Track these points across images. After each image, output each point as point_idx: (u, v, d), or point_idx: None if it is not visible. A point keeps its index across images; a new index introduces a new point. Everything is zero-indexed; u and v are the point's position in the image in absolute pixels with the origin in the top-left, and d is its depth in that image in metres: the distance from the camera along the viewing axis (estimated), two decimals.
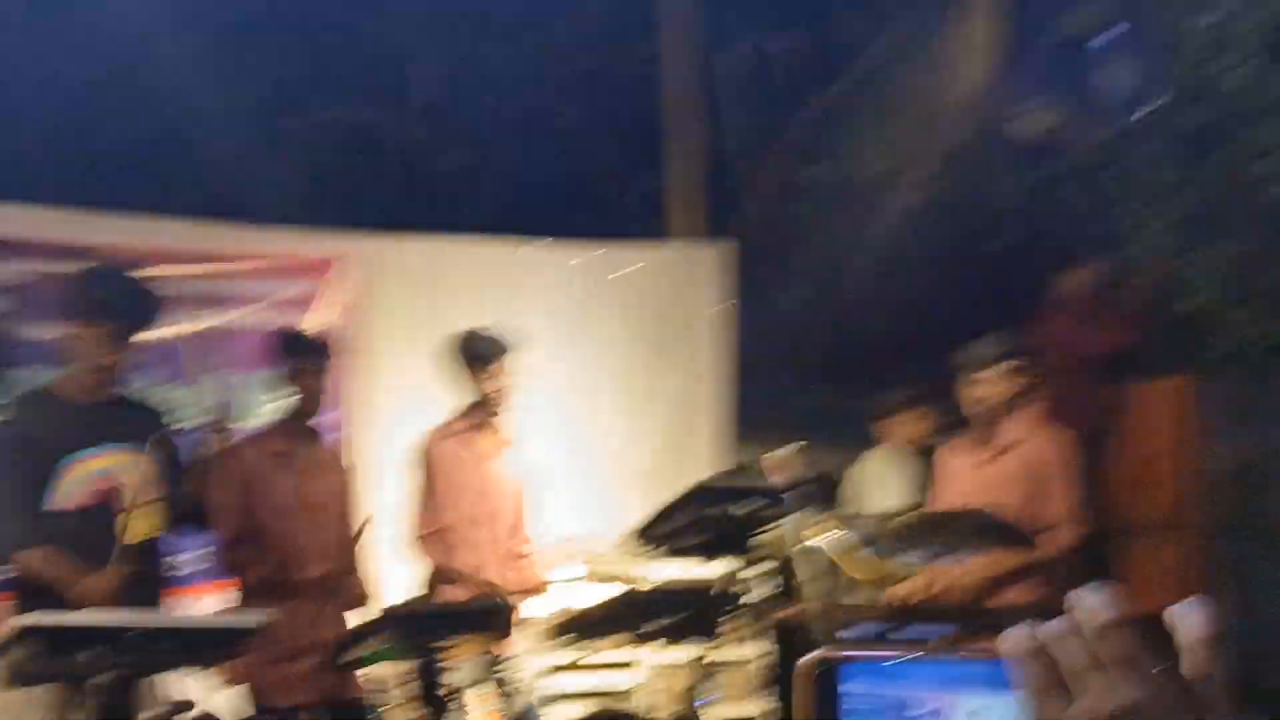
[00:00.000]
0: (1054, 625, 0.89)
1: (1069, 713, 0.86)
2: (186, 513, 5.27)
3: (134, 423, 5.12)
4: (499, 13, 12.08)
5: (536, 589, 6.16)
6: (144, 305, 5.06)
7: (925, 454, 7.58)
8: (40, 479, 4.88)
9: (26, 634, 4.17)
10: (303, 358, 5.55)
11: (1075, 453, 6.12)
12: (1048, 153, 12.28)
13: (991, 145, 12.68)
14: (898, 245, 13.65)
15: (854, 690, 0.97)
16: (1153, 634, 0.91)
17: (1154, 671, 0.86)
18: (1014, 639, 0.90)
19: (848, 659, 0.98)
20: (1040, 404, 7.19)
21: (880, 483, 7.34)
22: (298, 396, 5.54)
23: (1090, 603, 0.90)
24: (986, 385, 6.07)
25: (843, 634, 5.11)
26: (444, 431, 6.00)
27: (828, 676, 0.96)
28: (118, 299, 4.93)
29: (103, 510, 4.94)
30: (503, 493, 6.01)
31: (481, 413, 5.97)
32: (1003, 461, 6.06)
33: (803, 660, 0.97)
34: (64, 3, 10.48)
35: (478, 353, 5.91)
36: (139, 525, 4.99)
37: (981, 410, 6.11)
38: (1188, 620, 0.91)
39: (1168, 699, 0.85)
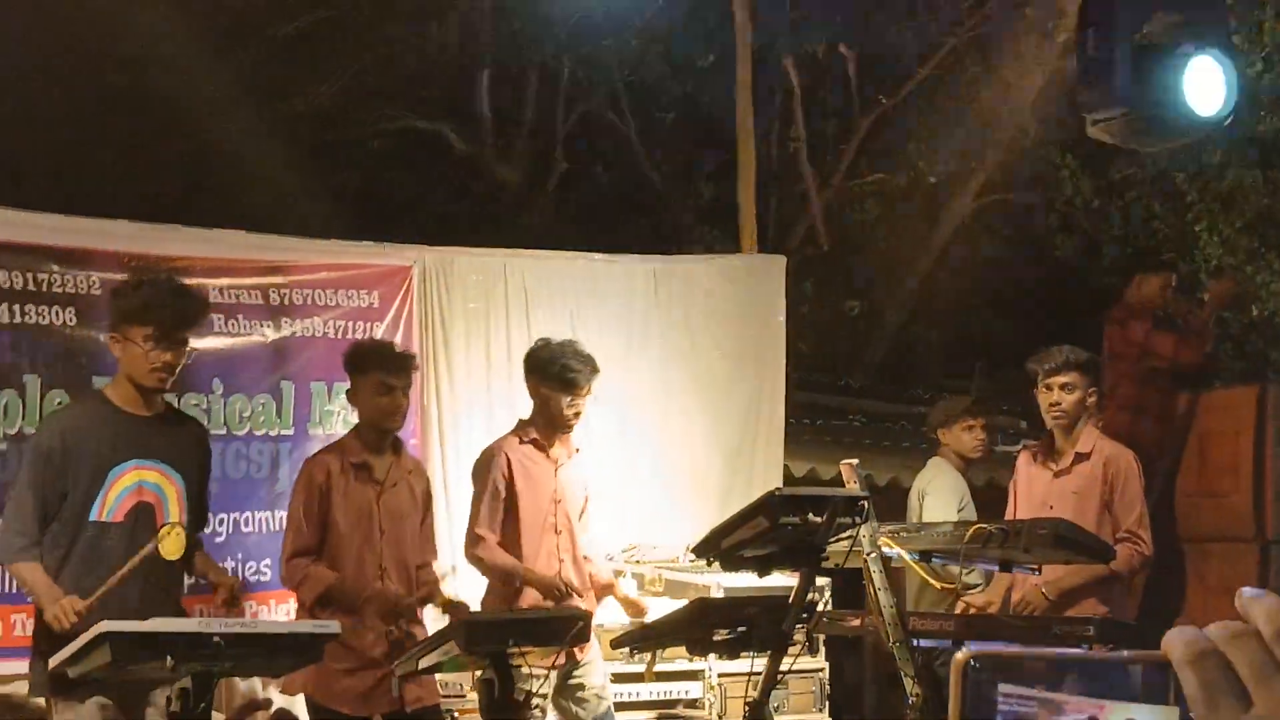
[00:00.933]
0: (1226, 627, 0.85)
1: (1245, 718, 0.83)
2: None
3: (180, 438, 5.17)
4: (567, 22, 12.09)
5: (606, 596, 6.15)
6: (186, 307, 5.09)
7: (981, 463, 7.52)
8: (89, 487, 4.92)
9: (106, 639, 4.21)
10: (388, 373, 5.56)
11: (1141, 465, 6.08)
12: (1119, 156, 12.17)
13: (1062, 149, 12.61)
14: (964, 250, 13.60)
15: (1009, 691, 0.94)
16: None
17: None
18: (1183, 641, 0.85)
19: (1003, 656, 0.94)
20: (1111, 413, 7.13)
21: (939, 492, 7.28)
22: (381, 407, 5.56)
23: (1268, 604, 0.86)
24: (1059, 392, 6.03)
25: (918, 644, 5.07)
26: (515, 439, 6.00)
27: (983, 672, 0.93)
28: (158, 301, 4.96)
29: (141, 524, 4.97)
30: (574, 500, 6.00)
31: (554, 425, 5.95)
32: (1078, 471, 6.02)
33: (958, 656, 0.94)
34: (127, 16, 10.60)
35: (563, 377, 5.85)
36: (169, 544, 5.02)
37: (1054, 417, 6.07)
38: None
39: None
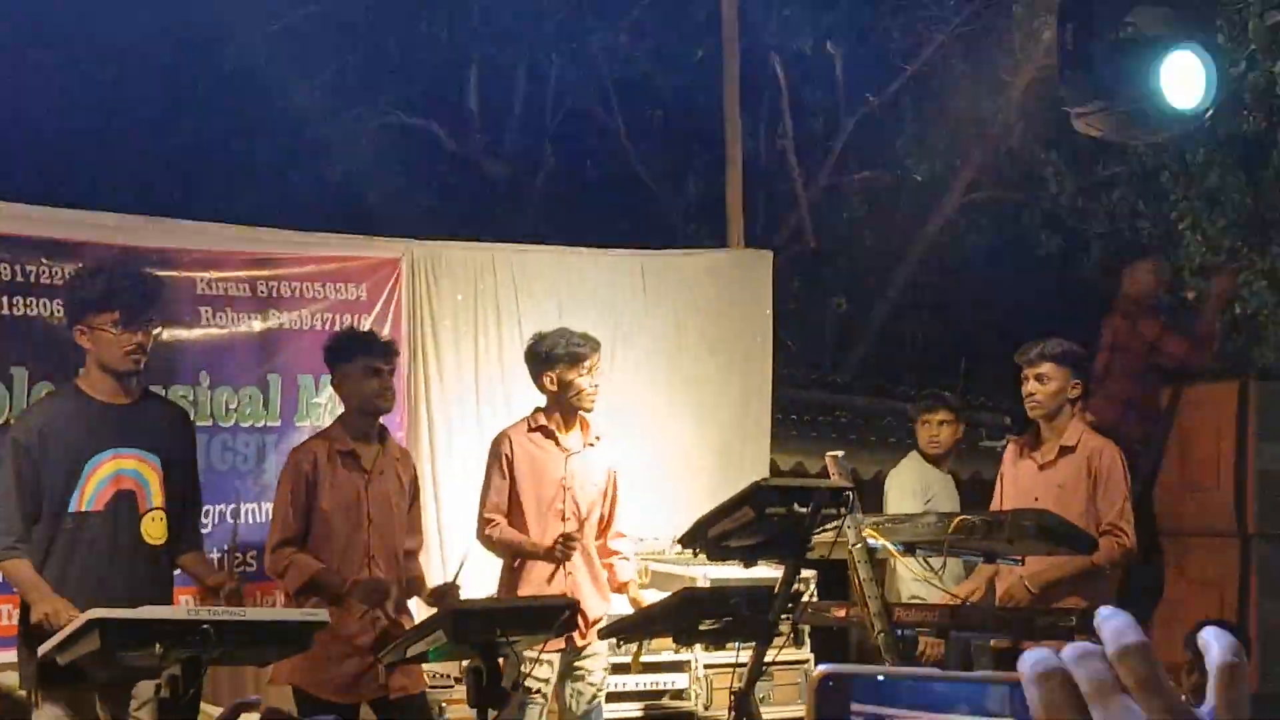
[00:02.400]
0: (1076, 647, 0.87)
1: None
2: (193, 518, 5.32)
3: (158, 423, 5.18)
4: (557, 19, 12.11)
5: (620, 588, 6.17)
6: (147, 288, 5.12)
7: (945, 459, 7.55)
8: (66, 480, 4.93)
9: (97, 625, 4.23)
10: (375, 357, 5.59)
11: (1125, 459, 6.13)
12: (1104, 154, 12.21)
13: (1047, 147, 12.66)
14: (950, 248, 13.64)
15: (859, 710, 0.96)
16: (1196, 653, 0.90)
17: (1177, 699, 0.85)
18: (1032, 661, 0.88)
19: (858, 674, 0.97)
20: (1100, 403, 7.18)
21: (896, 485, 7.35)
22: (371, 390, 5.58)
23: (1115, 624, 0.88)
24: (1034, 383, 6.10)
25: (901, 634, 5.11)
26: (524, 425, 6.04)
27: (837, 690, 0.95)
28: (121, 286, 4.99)
29: (123, 512, 4.99)
30: (588, 488, 6.04)
31: (566, 410, 6.00)
32: (1063, 463, 6.07)
33: (813, 674, 0.97)
34: (114, 10, 10.60)
35: (570, 352, 5.91)
36: (154, 528, 5.04)
37: (1030, 407, 6.14)
38: (1214, 645, 0.88)
39: None
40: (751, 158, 11.58)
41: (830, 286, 14.09)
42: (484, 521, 5.98)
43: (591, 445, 6.07)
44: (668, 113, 13.88)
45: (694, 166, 13.53)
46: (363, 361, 5.58)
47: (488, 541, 6.01)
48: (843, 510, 4.95)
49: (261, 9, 12.01)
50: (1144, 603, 7.17)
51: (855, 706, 0.95)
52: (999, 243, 13.88)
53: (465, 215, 12.08)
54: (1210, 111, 5.04)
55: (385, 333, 6.54)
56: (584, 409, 6.03)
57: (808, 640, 6.79)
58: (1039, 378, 6.10)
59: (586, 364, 5.94)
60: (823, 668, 0.97)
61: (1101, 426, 6.61)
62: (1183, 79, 4.98)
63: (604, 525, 6.15)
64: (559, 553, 5.83)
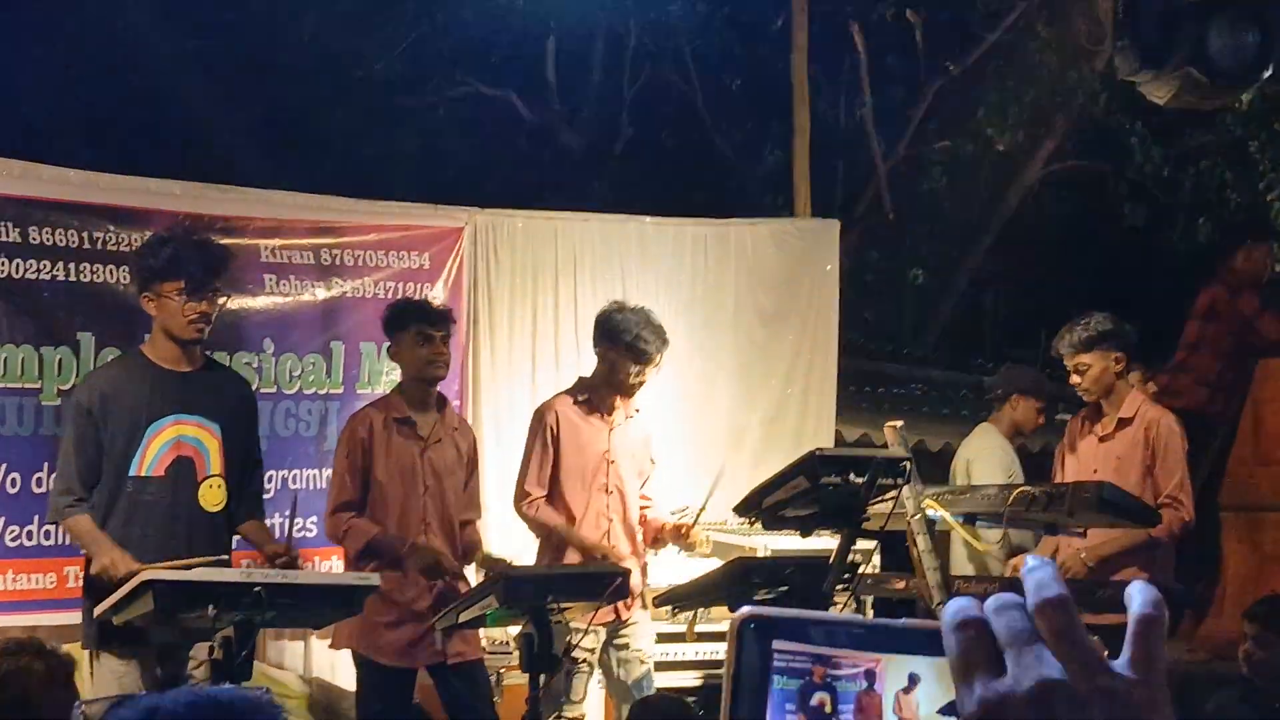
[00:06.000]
0: (998, 597, 0.87)
1: (992, 684, 0.85)
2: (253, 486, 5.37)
3: (219, 391, 5.24)
4: None
5: (665, 539, 6.11)
6: (212, 257, 5.16)
7: (1037, 431, 7.45)
8: (127, 444, 5.00)
9: (150, 587, 4.29)
10: (428, 324, 5.61)
11: (1184, 431, 6.02)
12: (1191, 124, 11.94)
13: (1132, 116, 12.42)
14: (1031, 218, 13.45)
15: (784, 647, 0.96)
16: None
17: (1092, 652, 0.85)
18: (953, 609, 0.88)
19: (780, 617, 0.97)
20: (1188, 383, 7.08)
21: (988, 462, 7.24)
22: (422, 358, 5.60)
23: (1038, 576, 0.88)
24: (1075, 375, 6.01)
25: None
26: (569, 397, 6.00)
27: (759, 631, 0.95)
28: (186, 255, 5.04)
29: (182, 477, 5.06)
30: (630, 460, 6.00)
31: (615, 390, 5.94)
32: (1121, 435, 5.99)
33: (734, 616, 0.97)
34: None
35: (634, 347, 5.78)
36: (212, 495, 5.10)
37: (1086, 396, 6.05)
38: (1135, 598, 0.87)
39: (1098, 681, 0.84)
40: (830, 127, 11.49)
41: (909, 258, 13.96)
42: (522, 494, 5.91)
43: (631, 418, 6.03)
44: (746, 82, 13.79)
45: (771, 136, 13.44)
46: (415, 328, 5.59)
47: (524, 518, 5.95)
48: (900, 481, 4.90)
49: None
50: (1203, 577, 7.06)
51: (777, 644, 0.95)
52: (1082, 213, 13.67)
53: (542, 186, 12.10)
54: (1266, 76, 4.91)
55: (444, 300, 6.56)
56: (622, 395, 5.94)
57: (870, 612, 6.73)
58: (1078, 368, 6.02)
59: (645, 364, 5.83)
60: (745, 609, 0.97)
61: (1187, 402, 6.49)
62: (1232, 44, 4.85)
63: (638, 494, 6.10)
64: (598, 557, 5.76)
